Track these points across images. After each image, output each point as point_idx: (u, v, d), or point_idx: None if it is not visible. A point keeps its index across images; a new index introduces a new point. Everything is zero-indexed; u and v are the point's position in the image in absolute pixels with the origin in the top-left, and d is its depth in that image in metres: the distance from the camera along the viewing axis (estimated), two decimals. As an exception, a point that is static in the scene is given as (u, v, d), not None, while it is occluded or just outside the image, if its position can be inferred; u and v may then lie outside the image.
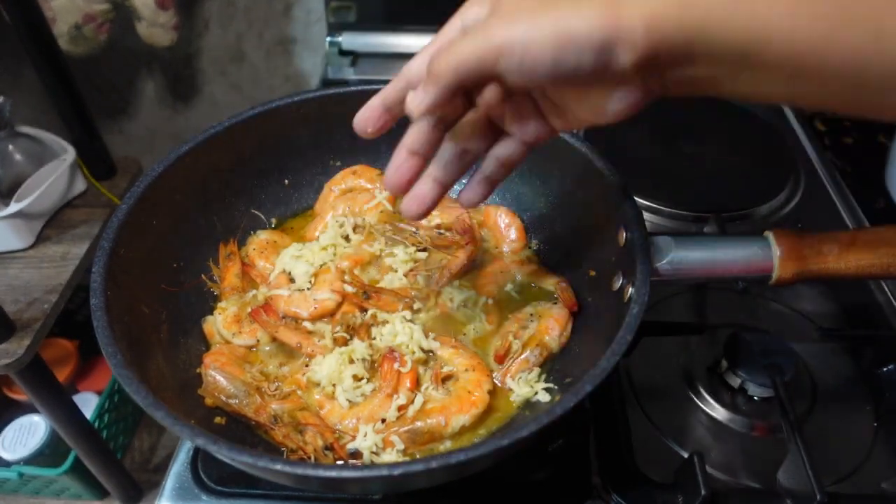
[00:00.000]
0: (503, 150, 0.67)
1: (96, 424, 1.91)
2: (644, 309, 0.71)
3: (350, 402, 0.82)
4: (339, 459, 0.77)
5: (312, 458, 0.76)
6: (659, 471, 0.87)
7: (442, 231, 1.02)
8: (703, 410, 0.97)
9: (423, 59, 0.61)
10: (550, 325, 0.88)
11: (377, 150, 1.11)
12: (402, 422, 0.79)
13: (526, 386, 0.84)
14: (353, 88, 1.03)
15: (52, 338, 2.12)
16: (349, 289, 0.94)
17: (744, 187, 1.29)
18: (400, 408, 0.80)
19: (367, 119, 0.67)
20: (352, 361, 0.84)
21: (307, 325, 0.91)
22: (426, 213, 0.68)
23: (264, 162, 1.04)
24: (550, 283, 0.96)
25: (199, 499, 0.83)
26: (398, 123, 1.07)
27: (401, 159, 0.65)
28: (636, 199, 0.83)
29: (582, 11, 0.42)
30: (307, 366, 0.87)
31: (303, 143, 1.06)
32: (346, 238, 1.03)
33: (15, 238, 1.43)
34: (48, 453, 1.89)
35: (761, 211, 1.24)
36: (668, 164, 1.35)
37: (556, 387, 0.84)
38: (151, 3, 1.60)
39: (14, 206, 1.37)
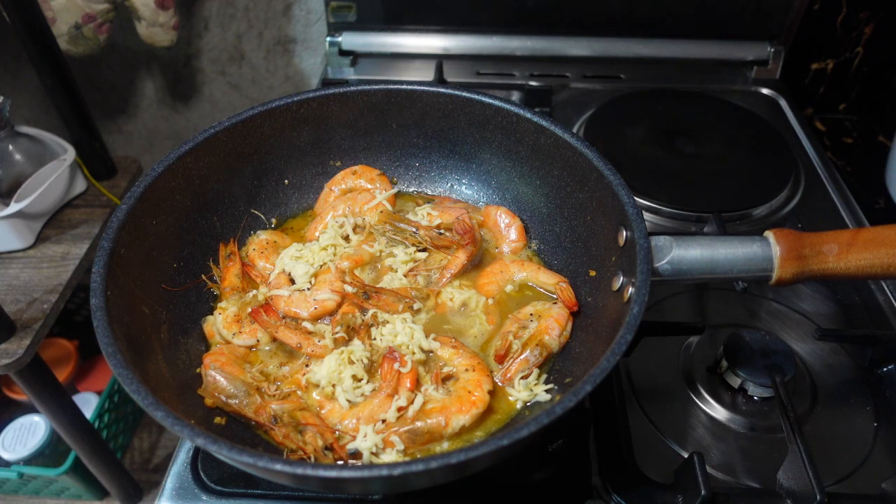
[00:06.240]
0: None
1: (96, 424, 1.92)
2: (644, 309, 0.71)
3: (350, 402, 0.82)
4: (339, 459, 0.77)
5: (312, 458, 0.76)
6: (659, 471, 0.87)
7: (442, 231, 1.02)
8: (703, 410, 0.97)
9: None
10: (550, 324, 0.88)
11: (377, 150, 1.11)
12: (402, 422, 0.79)
13: (525, 390, 0.84)
14: (353, 88, 1.03)
15: (52, 338, 2.12)
16: (349, 289, 0.94)
17: (744, 187, 1.29)
18: (400, 408, 0.80)
19: None
20: (351, 362, 0.84)
21: (307, 325, 0.91)
22: None
23: (264, 162, 1.04)
24: (550, 283, 0.96)
25: (199, 499, 0.83)
26: (398, 125, 1.08)
27: None
28: (636, 199, 0.82)
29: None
30: (307, 366, 0.87)
31: (303, 143, 1.06)
32: (346, 238, 1.03)
33: (15, 238, 1.43)
34: (48, 453, 1.89)
35: (761, 211, 1.24)
36: (668, 164, 1.35)
37: (556, 387, 0.84)
38: (151, 3, 1.60)
39: (14, 206, 1.37)
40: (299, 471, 0.61)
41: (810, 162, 1.42)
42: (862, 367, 1.03)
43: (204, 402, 0.81)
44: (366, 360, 0.85)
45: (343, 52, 1.66)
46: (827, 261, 0.78)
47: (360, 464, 0.76)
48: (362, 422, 0.79)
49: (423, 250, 1.01)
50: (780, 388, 0.91)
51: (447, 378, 0.85)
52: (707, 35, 1.63)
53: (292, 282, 0.96)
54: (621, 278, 0.82)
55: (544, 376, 0.87)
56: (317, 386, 0.84)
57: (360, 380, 0.84)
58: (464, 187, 1.12)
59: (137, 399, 0.64)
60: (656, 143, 1.39)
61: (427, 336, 0.88)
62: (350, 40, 1.65)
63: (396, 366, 0.83)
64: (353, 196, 1.07)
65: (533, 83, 1.61)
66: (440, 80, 1.56)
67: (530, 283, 0.98)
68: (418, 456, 0.78)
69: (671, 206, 1.24)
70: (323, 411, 0.82)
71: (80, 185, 1.60)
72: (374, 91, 1.03)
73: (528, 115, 0.96)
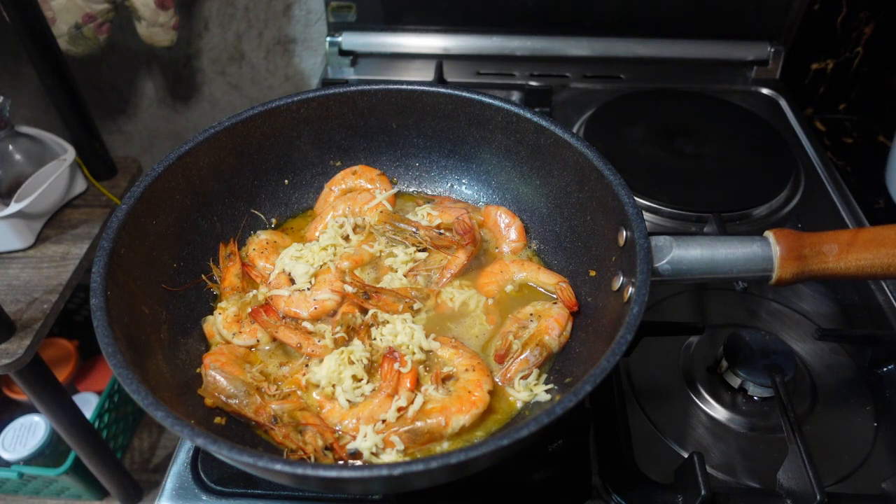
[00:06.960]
0: None
1: (96, 424, 1.92)
2: (644, 309, 0.71)
3: (350, 402, 0.82)
4: (339, 459, 0.77)
5: (312, 458, 0.76)
6: (659, 471, 0.87)
7: (442, 231, 1.02)
8: (703, 410, 0.97)
9: None
10: (550, 324, 0.88)
11: (377, 150, 1.11)
12: (402, 422, 0.79)
13: (525, 390, 0.84)
14: (353, 88, 1.03)
15: (52, 338, 2.12)
16: (349, 289, 0.94)
17: (744, 187, 1.29)
18: (400, 408, 0.80)
19: None
20: (351, 362, 0.84)
21: (307, 325, 0.91)
22: None
23: (264, 162, 1.04)
24: (550, 284, 0.96)
25: (199, 499, 0.83)
26: (398, 125, 1.08)
27: None
28: (636, 199, 0.83)
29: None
30: (307, 366, 0.87)
31: (303, 143, 1.06)
32: (346, 238, 1.03)
33: (15, 238, 1.43)
34: (48, 453, 1.89)
35: (761, 211, 1.25)
36: (668, 164, 1.35)
37: (556, 387, 0.84)
38: (151, 3, 1.60)
39: (14, 206, 1.37)
40: (299, 471, 0.61)
41: (810, 162, 1.42)
42: (862, 367, 1.03)
43: (204, 402, 0.81)
44: (366, 360, 0.85)
45: (343, 52, 1.67)
46: (827, 261, 0.78)
47: (360, 464, 0.76)
48: (362, 422, 0.79)
49: (423, 250, 1.01)
50: (780, 388, 0.91)
51: (447, 378, 0.85)
52: (707, 35, 1.63)
53: (292, 282, 0.96)
54: (621, 278, 0.82)
55: (544, 376, 0.87)
56: (317, 386, 0.84)
57: (360, 380, 0.84)
58: (464, 187, 1.12)
59: (137, 399, 0.64)
60: (656, 143, 1.39)
61: (427, 336, 0.88)
62: (350, 40, 1.65)
63: (396, 366, 0.83)
64: (353, 196, 1.07)
65: (533, 83, 1.61)
66: (440, 80, 1.56)
67: (530, 283, 0.98)
68: (418, 456, 0.78)
69: (671, 206, 1.24)
70: (323, 411, 0.82)
71: (80, 185, 1.60)
72: (374, 91, 1.03)
73: (528, 115, 0.96)
